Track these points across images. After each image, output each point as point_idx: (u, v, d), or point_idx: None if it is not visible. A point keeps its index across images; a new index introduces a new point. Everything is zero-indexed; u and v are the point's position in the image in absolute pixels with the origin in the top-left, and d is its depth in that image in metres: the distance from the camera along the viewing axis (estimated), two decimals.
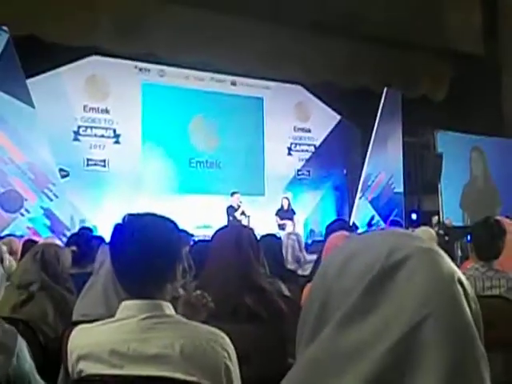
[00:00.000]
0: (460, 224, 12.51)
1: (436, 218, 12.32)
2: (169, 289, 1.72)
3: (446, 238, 9.74)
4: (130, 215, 1.73)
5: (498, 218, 3.94)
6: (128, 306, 1.67)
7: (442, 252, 0.73)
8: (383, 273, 0.69)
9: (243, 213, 10.83)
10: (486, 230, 3.42)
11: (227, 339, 1.67)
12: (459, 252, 9.12)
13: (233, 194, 10.96)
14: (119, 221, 1.74)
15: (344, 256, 0.74)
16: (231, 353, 1.66)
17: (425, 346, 0.66)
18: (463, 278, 0.71)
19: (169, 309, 1.68)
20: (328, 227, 4.82)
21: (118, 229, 1.71)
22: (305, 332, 0.74)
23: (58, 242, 5.33)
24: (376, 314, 0.68)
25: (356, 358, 0.66)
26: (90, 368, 1.62)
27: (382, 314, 0.68)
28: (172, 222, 1.78)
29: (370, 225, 12.35)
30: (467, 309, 0.69)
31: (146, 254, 1.64)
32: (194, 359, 1.58)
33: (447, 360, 0.65)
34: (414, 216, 13.17)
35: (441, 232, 10.16)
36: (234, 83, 12.88)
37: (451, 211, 13.18)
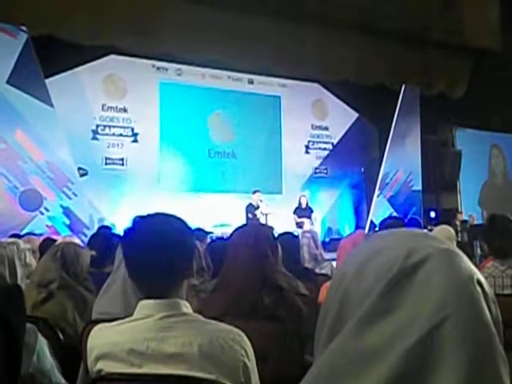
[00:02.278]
0: (479, 222, 12.40)
1: (460, 215, 12.23)
2: (184, 286, 1.74)
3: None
4: (140, 217, 1.74)
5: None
6: (145, 306, 1.68)
7: (461, 253, 0.72)
8: (402, 274, 0.69)
9: (262, 211, 10.83)
10: (491, 228, 3.38)
11: (245, 337, 1.68)
12: (478, 250, 9.04)
13: (254, 192, 10.94)
14: (134, 216, 1.77)
15: (363, 256, 0.74)
16: (249, 351, 1.66)
17: (444, 347, 0.65)
18: (482, 279, 0.70)
19: (186, 307, 1.69)
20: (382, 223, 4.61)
21: (128, 232, 1.73)
22: (323, 332, 0.74)
23: (77, 241, 5.36)
24: (394, 315, 0.68)
25: (375, 360, 0.66)
26: (108, 367, 1.63)
27: (400, 316, 0.67)
28: (181, 220, 1.77)
29: None
30: (486, 310, 0.68)
31: (156, 253, 1.65)
32: (213, 357, 1.59)
33: (466, 362, 0.64)
34: (432, 214, 13.11)
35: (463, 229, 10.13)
36: (251, 81, 12.88)
37: (470, 209, 13.11)
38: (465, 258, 0.72)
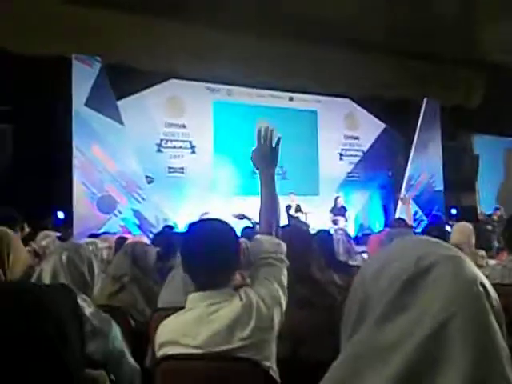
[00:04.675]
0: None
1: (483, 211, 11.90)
2: (231, 279, 1.76)
3: (489, 227, 9.36)
4: (193, 223, 1.81)
5: None
6: (194, 298, 1.73)
7: (466, 258, 0.72)
8: (413, 277, 0.69)
9: (299, 210, 10.89)
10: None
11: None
12: (496, 243, 8.79)
13: (289, 194, 11.03)
14: (196, 219, 1.82)
15: (380, 262, 0.74)
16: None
17: (452, 340, 0.65)
18: (485, 281, 0.70)
19: (229, 295, 1.71)
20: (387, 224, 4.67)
21: (184, 235, 1.80)
22: (347, 328, 0.75)
23: (146, 239, 5.46)
24: (408, 313, 0.68)
25: (391, 352, 0.67)
26: (168, 351, 1.68)
27: (413, 313, 0.68)
28: (225, 223, 1.80)
29: (413, 220, 12.08)
30: (489, 307, 0.68)
31: (205, 253, 1.69)
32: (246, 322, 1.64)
33: (471, 354, 0.64)
34: (453, 211, 12.80)
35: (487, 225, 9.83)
36: (291, 99, 12.86)
37: (487, 207, 12.75)
38: (469, 262, 0.71)
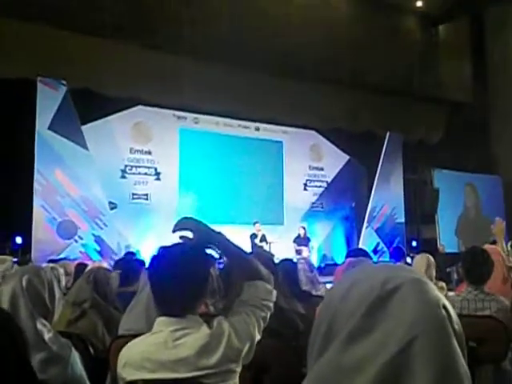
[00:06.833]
0: (456, 250, 12.33)
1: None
2: (198, 307, 1.74)
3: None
4: (163, 247, 1.76)
5: (485, 246, 3.90)
6: (161, 322, 1.69)
7: (428, 281, 0.74)
8: (379, 299, 0.71)
9: (263, 239, 10.91)
10: (471, 258, 3.38)
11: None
12: (455, 276, 8.97)
13: (254, 223, 11.08)
14: (159, 246, 1.78)
15: (347, 284, 0.76)
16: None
17: (414, 362, 0.67)
18: (447, 304, 0.72)
19: (196, 321, 1.68)
20: (347, 254, 4.72)
21: (153, 259, 1.75)
22: (314, 349, 0.76)
23: (106, 265, 5.38)
24: (373, 335, 0.69)
25: (358, 372, 0.68)
26: (129, 374, 1.65)
27: (378, 335, 0.69)
28: (198, 249, 1.75)
29: (375, 251, 12.24)
30: (451, 330, 0.70)
31: (173, 279, 1.65)
32: (212, 352, 1.61)
33: (433, 375, 0.66)
34: (414, 243, 13.05)
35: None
36: (257, 129, 13.00)
37: (447, 239, 13.02)
38: (432, 285, 0.74)
